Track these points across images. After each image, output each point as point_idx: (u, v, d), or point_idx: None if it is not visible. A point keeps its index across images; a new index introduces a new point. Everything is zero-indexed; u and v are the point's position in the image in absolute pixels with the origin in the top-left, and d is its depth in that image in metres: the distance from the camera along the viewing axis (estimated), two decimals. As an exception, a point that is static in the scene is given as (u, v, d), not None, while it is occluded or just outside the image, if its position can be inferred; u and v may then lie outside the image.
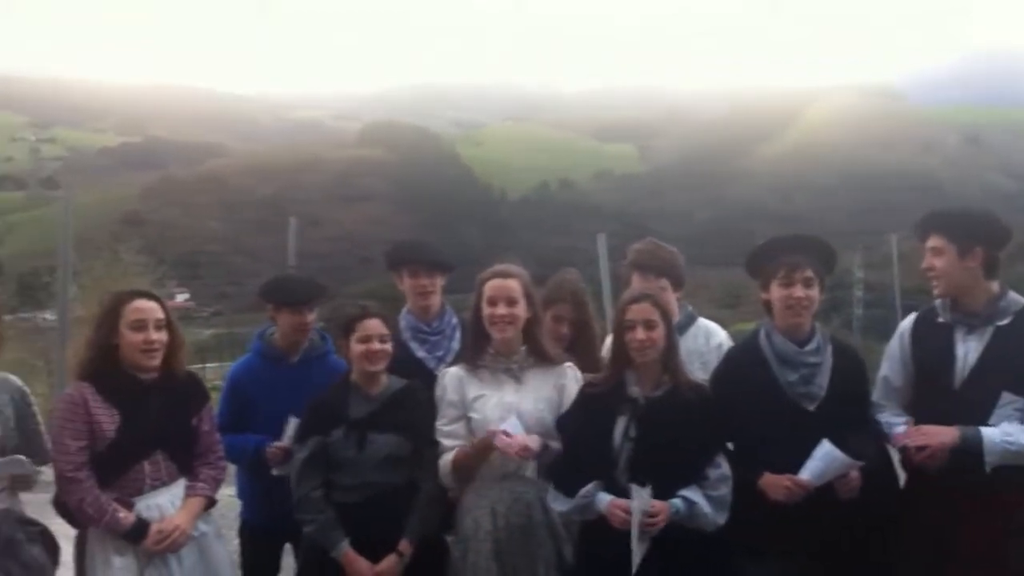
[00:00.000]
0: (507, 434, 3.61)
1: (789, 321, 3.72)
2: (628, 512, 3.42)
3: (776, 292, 3.74)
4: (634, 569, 3.43)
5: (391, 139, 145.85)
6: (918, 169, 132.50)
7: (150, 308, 3.81)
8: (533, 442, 3.64)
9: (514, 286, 3.87)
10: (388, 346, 3.97)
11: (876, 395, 3.89)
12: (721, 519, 3.53)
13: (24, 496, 3.83)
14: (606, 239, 12.18)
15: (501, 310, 3.83)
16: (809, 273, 3.70)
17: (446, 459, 3.85)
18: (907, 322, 3.92)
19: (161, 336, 3.80)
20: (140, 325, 3.76)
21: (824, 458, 3.53)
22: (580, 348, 4.26)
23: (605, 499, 3.50)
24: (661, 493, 3.46)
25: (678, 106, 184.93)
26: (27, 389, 3.89)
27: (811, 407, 3.66)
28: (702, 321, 4.50)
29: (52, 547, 3.76)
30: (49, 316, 14.51)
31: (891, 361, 3.88)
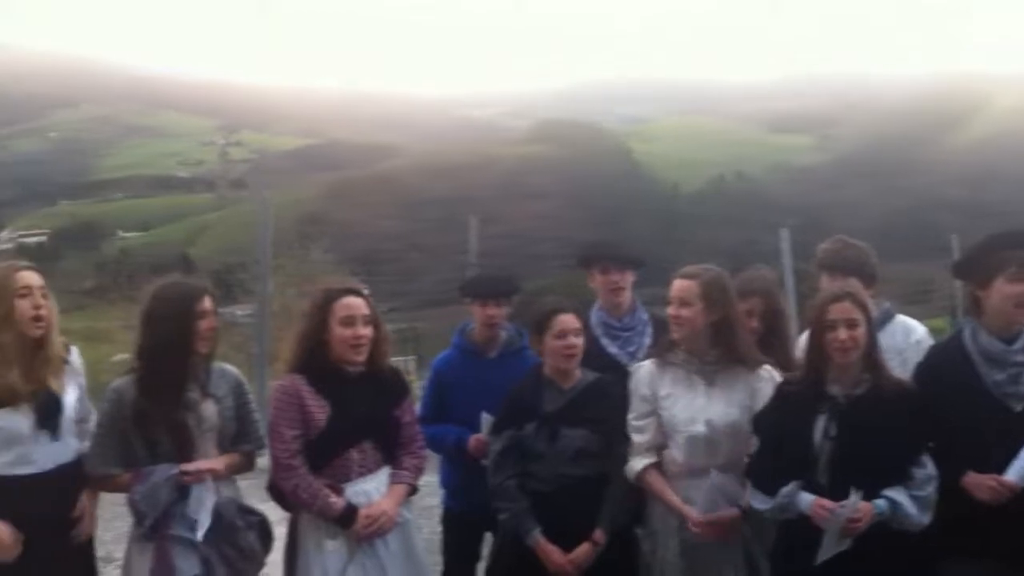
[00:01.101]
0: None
1: (1016, 319, 3.59)
2: (831, 512, 3.39)
3: (1006, 289, 3.60)
4: (818, 560, 3.40)
5: (562, 136, 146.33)
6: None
7: (358, 304, 3.98)
8: None
9: (689, 287, 3.88)
10: (582, 340, 4.04)
11: None
12: (926, 519, 3.45)
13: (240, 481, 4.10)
14: (788, 233, 11.99)
15: (672, 311, 3.87)
16: None
17: (635, 466, 3.89)
18: None
19: (368, 331, 3.97)
20: (349, 321, 3.94)
21: None
22: (773, 343, 4.21)
23: (807, 499, 3.47)
24: (864, 493, 3.41)
25: (858, 95, 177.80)
26: (244, 380, 4.14)
27: (1019, 407, 3.54)
28: (900, 317, 4.39)
29: (266, 535, 3.99)
30: (240, 311, 15.34)
31: None
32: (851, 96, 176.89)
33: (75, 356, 3.91)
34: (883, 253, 4.51)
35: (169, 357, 3.78)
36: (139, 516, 3.72)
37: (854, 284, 4.18)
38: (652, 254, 5.80)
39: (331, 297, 4.00)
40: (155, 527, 3.69)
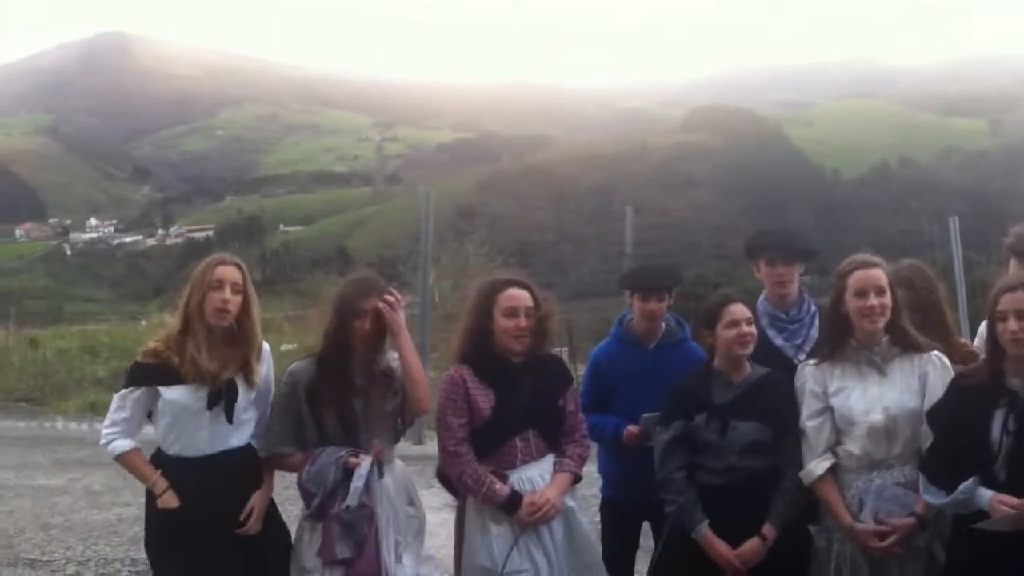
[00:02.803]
0: None
1: None
2: (1013, 508, 3.25)
3: None
4: (980, 525, 3.30)
5: (716, 123, 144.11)
6: None
7: (522, 296, 4.04)
8: None
9: (880, 275, 3.77)
10: (754, 329, 4.00)
11: None
12: None
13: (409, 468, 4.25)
14: (957, 222, 11.46)
15: (873, 300, 3.73)
16: None
17: (814, 471, 3.80)
18: None
19: (530, 322, 4.03)
20: (512, 312, 4.01)
21: None
22: (930, 334, 4.03)
23: (986, 494, 3.33)
24: None
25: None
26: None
27: None
28: (1083, 311, 4.14)
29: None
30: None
31: None
32: (1021, 80, 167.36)
33: (266, 353, 4.10)
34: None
35: (338, 344, 3.94)
36: (307, 496, 3.88)
37: None
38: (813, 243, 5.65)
39: (496, 288, 4.08)
40: (322, 507, 3.83)
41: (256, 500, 3.95)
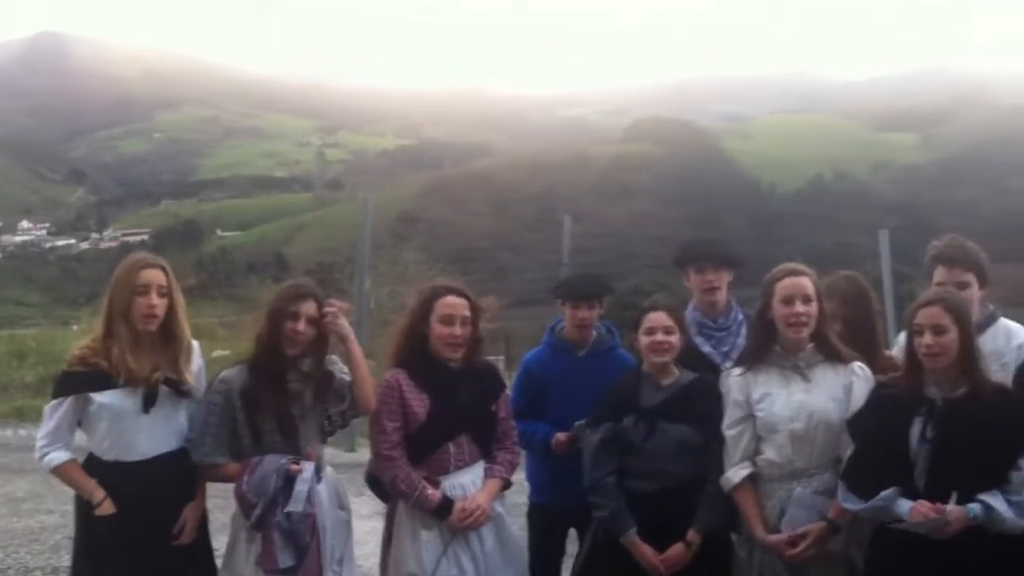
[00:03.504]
0: None
1: None
2: (927, 517, 3.34)
3: None
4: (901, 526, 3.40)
5: (657, 134, 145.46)
6: None
7: (459, 305, 4.08)
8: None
9: (808, 284, 3.85)
10: (673, 338, 4.03)
11: None
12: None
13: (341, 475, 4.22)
14: (887, 235, 11.70)
15: (799, 308, 3.81)
16: None
17: (731, 479, 3.87)
18: None
19: (466, 331, 4.07)
20: (449, 320, 4.05)
21: None
22: (858, 346, 4.12)
23: (906, 505, 3.41)
24: (960, 497, 3.35)
25: (962, 93, 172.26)
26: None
27: None
28: (1003, 321, 4.26)
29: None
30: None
31: None
32: (954, 95, 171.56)
33: (196, 352, 4.07)
34: (991, 254, 4.39)
35: (272, 348, 3.92)
36: (247, 506, 3.82)
37: (971, 280, 4.11)
38: (748, 254, 5.74)
39: (435, 295, 4.12)
40: (263, 517, 3.79)
41: (190, 512, 3.92)
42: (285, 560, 3.77)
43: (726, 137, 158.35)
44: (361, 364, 4.01)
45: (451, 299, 4.09)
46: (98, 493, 3.76)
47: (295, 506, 3.77)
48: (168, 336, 3.90)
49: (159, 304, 3.83)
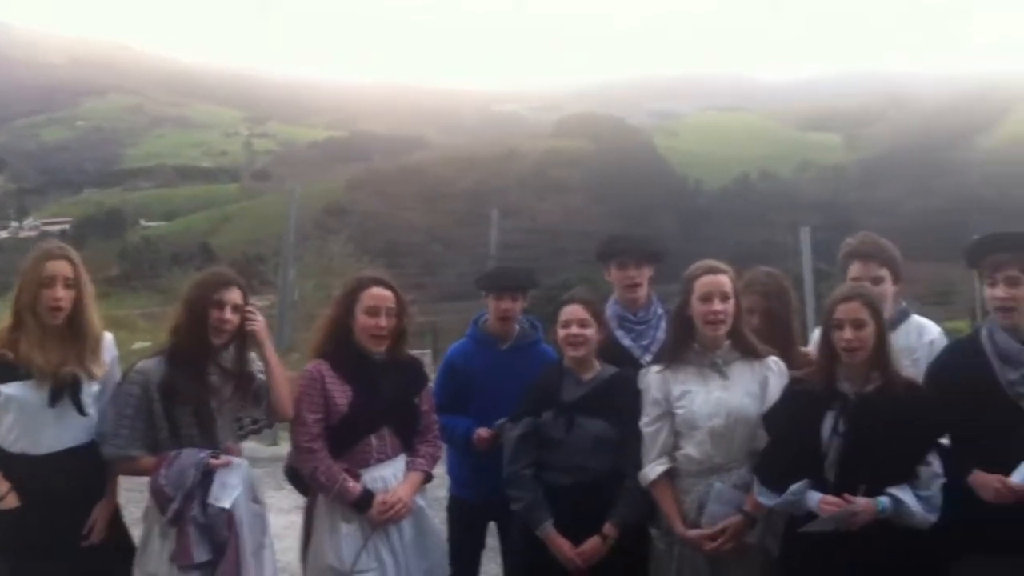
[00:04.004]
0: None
1: (1002, 321, 3.62)
2: (837, 508, 3.41)
3: (987, 291, 3.67)
4: (806, 529, 3.47)
5: (587, 130, 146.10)
6: None
7: (385, 296, 4.05)
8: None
9: (726, 282, 3.89)
10: (588, 331, 4.05)
11: None
12: (932, 517, 3.46)
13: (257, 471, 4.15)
14: (809, 232, 11.93)
15: (717, 306, 3.85)
16: (1014, 272, 3.59)
17: (648, 475, 3.90)
18: None
19: (391, 323, 4.04)
20: (374, 311, 4.02)
21: None
22: (775, 341, 4.19)
23: (815, 497, 3.48)
24: (870, 490, 3.43)
25: (891, 94, 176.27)
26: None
27: None
28: (915, 317, 4.38)
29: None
30: (259, 302, 15.47)
31: None
32: (883, 96, 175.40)
33: (109, 343, 3.99)
34: (910, 253, 4.50)
35: (193, 338, 3.86)
36: (163, 500, 3.74)
37: (885, 275, 4.21)
38: (674, 251, 5.81)
39: (360, 285, 4.09)
40: (179, 511, 3.72)
41: (100, 511, 3.85)
42: (200, 555, 3.71)
43: (656, 134, 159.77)
44: (277, 369, 3.97)
45: (377, 290, 4.06)
46: (3, 486, 3.68)
47: (224, 501, 3.73)
48: (76, 329, 3.82)
49: (65, 296, 3.75)
